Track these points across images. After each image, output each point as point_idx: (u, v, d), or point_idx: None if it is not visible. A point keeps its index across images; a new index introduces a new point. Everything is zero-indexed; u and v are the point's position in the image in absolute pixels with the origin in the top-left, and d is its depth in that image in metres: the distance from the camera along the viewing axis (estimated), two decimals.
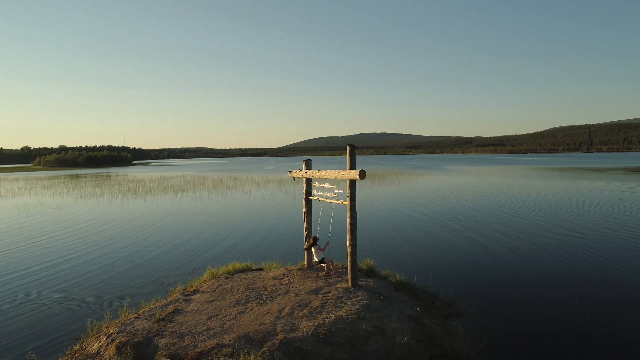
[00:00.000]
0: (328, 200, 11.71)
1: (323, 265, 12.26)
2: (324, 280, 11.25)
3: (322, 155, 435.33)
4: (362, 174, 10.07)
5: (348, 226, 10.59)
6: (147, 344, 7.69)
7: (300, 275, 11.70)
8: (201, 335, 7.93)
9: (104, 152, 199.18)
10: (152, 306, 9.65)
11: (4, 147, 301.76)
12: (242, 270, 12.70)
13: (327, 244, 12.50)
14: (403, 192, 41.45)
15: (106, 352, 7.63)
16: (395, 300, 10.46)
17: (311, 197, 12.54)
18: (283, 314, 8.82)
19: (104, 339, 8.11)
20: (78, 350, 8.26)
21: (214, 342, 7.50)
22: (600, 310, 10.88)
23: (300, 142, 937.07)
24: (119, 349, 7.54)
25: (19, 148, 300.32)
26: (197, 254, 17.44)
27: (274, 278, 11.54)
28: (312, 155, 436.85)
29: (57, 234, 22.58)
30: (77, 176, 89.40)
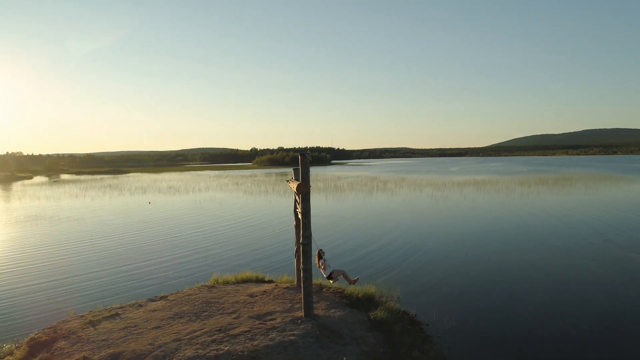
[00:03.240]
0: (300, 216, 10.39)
1: (330, 280, 10.96)
2: (290, 305, 10.04)
3: (531, 155, 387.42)
4: (299, 188, 8.66)
5: (300, 247, 9.20)
6: (46, 344, 8.18)
7: (276, 295, 10.72)
8: (89, 345, 8.01)
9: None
10: (109, 307, 10.22)
11: (239, 149, 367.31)
12: (246, 281, 12.38)
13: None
14: (576, 200, 33.85)
15: (21, 345, 8.41)
16: (349, 342, 8.62)
17: (297, 210, 11.34)
18: (187, 337, 8.22)
19: (40, 332, 8.95)
20: (34, 336, 9.29)
21: (81, 355, 7.48)
22: None
23: (507, 140, 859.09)
24: (26, 344, 8.21)
25: (248, 149, 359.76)
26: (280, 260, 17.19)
27: (250, 295, 10.86)
28: (520, 155, 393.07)
29: (187, 229, 26.02)
30: (275, 174, 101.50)
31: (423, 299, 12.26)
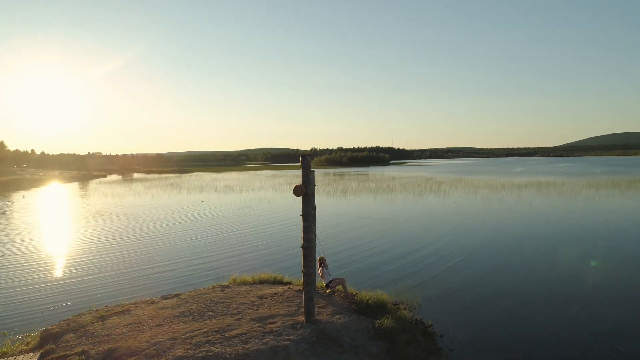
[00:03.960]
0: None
1: (328, 290, 11.00)
2: (295, 308, 9.86)
3: (608, 155, 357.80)
4: (297, 190, 8.49)
5: (302, 250, 9.00)
6: (56, 336, 8.61)
7: (285, 298, 10.58)
8: (92, 339, 8.32)
9: (365, 153, 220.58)
10: (123, 303, 10.58)
11: (300, 149, 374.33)
12: (263, 282, 12.37)
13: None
14: None
15: (36, 336, 8.92)
16: (348, 351, 8.31)
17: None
18: (183, 336, 8.30)
19: (55, 324, 9.46)
20: (48, 328, 9.84)
21: (80, 349, 7.78)
22: None
23: (582, 139, 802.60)
24: (39, 335, 8.71)
25: (309, 149, 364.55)
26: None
27: (260, 296, 10.81)
28: (595, 155, 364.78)
29: (231, 228, 26.66)
30: (332, 174, 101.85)
31: (448, 309, 11.50)
